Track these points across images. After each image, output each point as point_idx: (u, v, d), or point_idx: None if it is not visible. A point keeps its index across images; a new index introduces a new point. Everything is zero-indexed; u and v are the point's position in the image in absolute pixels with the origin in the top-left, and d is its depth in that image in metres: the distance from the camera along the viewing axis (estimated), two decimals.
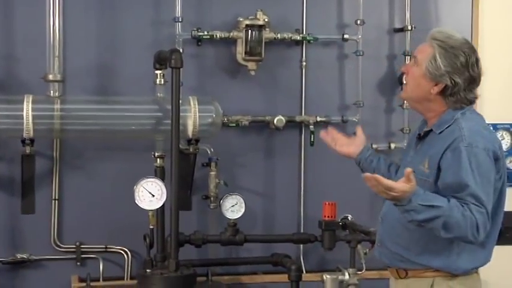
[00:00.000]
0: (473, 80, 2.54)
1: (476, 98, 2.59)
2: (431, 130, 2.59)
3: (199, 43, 3.55)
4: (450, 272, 2.54)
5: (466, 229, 2.38)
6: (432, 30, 2.63)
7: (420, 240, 2.55)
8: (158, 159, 3.36)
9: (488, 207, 2.42)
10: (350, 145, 2.98)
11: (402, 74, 3.68)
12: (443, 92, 2.54)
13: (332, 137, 3.01)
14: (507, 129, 3.88)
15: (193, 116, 3.32)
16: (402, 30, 3.75)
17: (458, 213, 2.38)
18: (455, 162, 2.44)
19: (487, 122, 2.67)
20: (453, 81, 2.51)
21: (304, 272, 3.57)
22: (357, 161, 2.99)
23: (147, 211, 3.22)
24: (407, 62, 3.70)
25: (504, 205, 2.58)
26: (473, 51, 2.55)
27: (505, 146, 3.86)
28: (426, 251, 2.55)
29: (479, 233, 2.39)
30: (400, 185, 2.35)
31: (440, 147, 2.50)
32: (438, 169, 2.49)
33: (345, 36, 3.66)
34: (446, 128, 2.54)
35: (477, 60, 2.55)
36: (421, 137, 2.64)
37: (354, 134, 3.04)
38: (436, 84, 2.53)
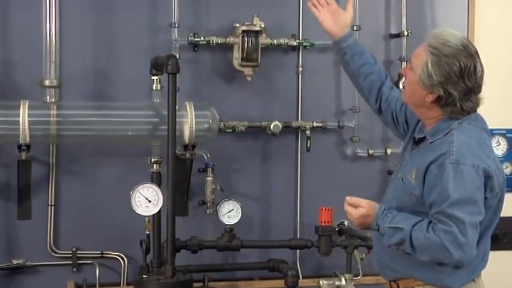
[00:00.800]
0: (470, 90, 2.39)
1: (475, 107, 2.44)
2: (425, 137, 2.50)
3: (196, 49, 3.55)
4: (439, 286, 2.46)
5: (432, 251, 2.33)
6: (431, 32, 2.51)
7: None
8: (154, 164, 3.36)
9: (463, 225, 2.29)
10: (334, 20, 2.79)
11: (399, 79, 3.71)
12: (438, 101, 2.42)
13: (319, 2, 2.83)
14: (503, 135, 3.89)
15: (189, 122, 3.32)
16: (398, 36, 3.76)
17: (420, 235, 2.34)
18: (439, 178, 2.34)
19: None
20: (447, 92, 2.38)
21: (300, 277, 3.57)
22: (335, 46, 2.83)
23: (143, 217, 3.22)
24: (403, 68, 3.71)
25: (495, 223, 2.49)
26: (471, 58, 2.38)
27: (501, 151, 3.87)
28: (413, 263, 2.46)
29: (451, 252, 2.30)
30: (365, 201, 2.42)
31: (427, 158, 2.39)
32: (424, 182, 2.39)
33: None
34: (440, 138, 2.42)
35: (475, 68, 2.38)
36: (416, 142, 2.56)
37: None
38: (431, 93, 2.41)
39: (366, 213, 2.49)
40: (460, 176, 2.32)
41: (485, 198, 2.37)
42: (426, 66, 2.39)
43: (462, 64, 2.36)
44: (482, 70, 2.41)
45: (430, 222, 2.36)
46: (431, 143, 2.45)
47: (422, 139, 2.53)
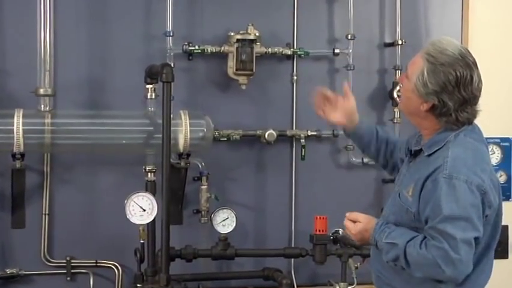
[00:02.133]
0: (466, 101, 2.33)
1: (471, 118, 2.39)
2: (422, 149, 2.46)
3: (190, 57, 3.56)
4: None
5: (425, 267, 2.30)
6: (430, 40, 2.47)
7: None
8: (149, 173, 3.36)
9: (454, 242, 2.24)
10: (339, 112, 2.77)
11: (393, 88, 3.72)
12: (433, 111, 2.37)
13: (321, 98, 2.81)
14: (497, 144, 3.90)
15: (184, 130, 3.32)
16: (392, 44, 3.77)
17: (414, 251, 2.31)
18: (432, 193, 2.29)
19: None
20: (441, 101, 2.33)
21: (295, 286, 3.57)
22: (355, 129, 2.80)
23: (138, 225, 3.21)
24: (398, 76, 3.72)
25: (497, 238, 2.45)
26: (468, 68, 2.33)
27: (495, 160, 3.87)
28: (412, 280, 2.41)
29: (443, 269, 2.25)
30: (363, 216, 2.42)
31: (423, 173, 2.35)
32: (419, 199, 2.35)
33: (336, 50, 3.67)
34: (436, 150, 2.38)
35: (472, 78, 2.32)
36: (413, 154, 2.51)
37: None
38: (426, 102, 2.36)
39: (364, 228, 2.48)
40: (452, 191, 2.27)
41: (486, 216, 2.33)
42: (422, 74, 2.35)
43: (458, 74, 2.32)
44: (480, 81, 2.36)
45: (424, 238, 2.33)
46: (428, 156, 2.41)
47: (419, 151, 2.48)
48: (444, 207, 2.26)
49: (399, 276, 2.45)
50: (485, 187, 2.30)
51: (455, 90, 2.33)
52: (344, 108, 2.78)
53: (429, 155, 2.41)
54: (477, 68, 2.37)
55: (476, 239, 2.30)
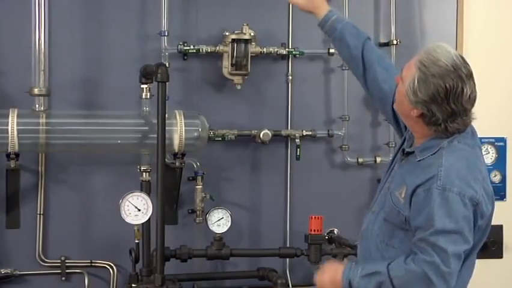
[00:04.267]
0: (455, 113, 2.31)
1: (461, 128, 2.36)
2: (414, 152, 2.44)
3: (185, 57, 3.56)
4: None
5: (415, 284, 2.28)
6: (426, 47, 2.41)
7: None
8: (144, 173, 3.36)
9: (445, 255, 2.25)
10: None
11: None
12: (422, 118, 2.35)
13: None
14: (491, 143, 3.90)
15: (179, 130, 3.32)
16: (387, 44, 3.77)
17: (399, 271, 2.30)
18: (425, 204, 2.28)
19: None
20: (430, 111, 2.31)
21: (290, 286, 3.58)
22: (320, 25, 2.80)
23: (133, 225, 3.21)
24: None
25: (483, 241, 2.45)
26: (459, 80, 2.29)
27: (489, 160, 3.88)
28: None
29: (434, 283, 2.25)
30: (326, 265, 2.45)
31: (416, 179, 2.34)
32: (411, 204, 2.34)
33: (331, 50, 3.67)
34: (428, 156, 2.36)
35: (463, 90, 2.29)
36: (406, 154, 2.49)
37: None
38: (416, 109, 2.34)
39: (332, 277, 2.44)
40: (445, 203, 2.26)
41: (478, 226, 2.33)
42: (413, 82, 2.32)
43: (448, 86, 2.28)
44: (473, 93, 2.32)
45: (407, 256, 2.32)
46: (419, 161, 2.40)
47: (412, 153, 2.47)
48: (437, 220, 2.26)
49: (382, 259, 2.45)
50: (478, 198, 2.30)
51: (444, 102, 2.30)
52: None
53: (421, 160, 2.39)
54: (471, 80, 2.33)
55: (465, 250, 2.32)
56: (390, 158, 3.67)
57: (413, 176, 2.37)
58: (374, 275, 2.35)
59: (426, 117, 2.34)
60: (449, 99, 2.29)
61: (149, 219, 3.19)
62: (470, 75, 2.33)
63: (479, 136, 2.49)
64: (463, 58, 2.36)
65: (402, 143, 2.57)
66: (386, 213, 2.47)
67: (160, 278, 3.09)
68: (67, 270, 3.46)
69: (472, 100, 2.33)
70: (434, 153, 2.36)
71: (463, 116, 2.34)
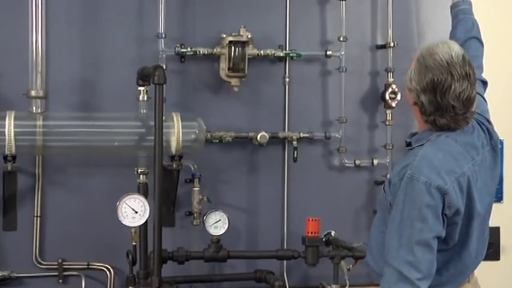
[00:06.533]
0: (441, 107, 2.36)
1: (451, 125, 2.40)
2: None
3: (183, 59, 3.55)
4: None
5: (391, 278, 2.33)
6: (431, 41, 2.51)
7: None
8: (141, 175, 3.35)
9: (392, 255, 2.33)
10: None
11: (385, 90, 3.72)
12: (417, 107, 2.43)
13: None
14: None
15: (176, 132, 3.32)
16: (384, 46, 3.77)
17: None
18: (397, 194, 2.38)
19: None
20: (420, 101, 2.39)
21: None
22: (450, 8, 3.17)
23: (130, 228, 3.21)
24: (390, 78, 3.73)
25: (472, 240, 2.46)
26: (450, 76, 2.34)
27: None
28: None
29: (403, 273, 2.29)
30: None
31: (398, 166, 2.44)
32: (390, 189, 2.44)
33: (328, 52, 3.68)
34: (417, 146, 2.44)
35: (451, 87, 2.34)
36: (408, 144, 2.56)
37: None
38: (411, 96, 2.44)
39: None
40: (411, 191, 2.33)
41: (445, 215, 2.35)
42: (411, 70, 2.43)
43: (436, 79, 2.35)
44: (463, 93, 2.35)
45: None
46: (410, 150, 2.48)
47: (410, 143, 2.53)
48: (395, 216, 2.35)
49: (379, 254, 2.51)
50: (447, 188, 2.33)
51: (431, 95, 2.36)
52: None
53: (410, 150, 2.48)
54: (465, 80, 2.36)
55: (438, 238, 2.35)
56: (387, 161, 3.73)
57: (399, 164, 2.48)
58: None
59: (418, 106, 2.42)
60: (436, 92, 2.36)
61: (146, 221, 3.18)
62: (465, 76, 2.36)
63: None
64: (464, 58, 2.39)
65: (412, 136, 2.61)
66: (380, 200, 2.56)
67: (157, 280, 3.09)
68: (64, 273, 3.46)
69: (463, 99, 2.36)
70: (421, 145, 2.43)
71: (451, 112, 2.37)
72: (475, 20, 3.08)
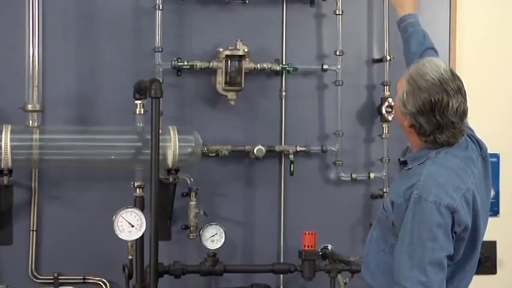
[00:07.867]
0: (441, 126, 2.38)
1: (450, 140, 2.42)
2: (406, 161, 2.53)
3: (179, 73, 3.56)
4: None
5: None
6: (417, 61, 2.50)
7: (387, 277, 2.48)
8: (137, 189, 3.35)
9: (404, 276, 2.32)
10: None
11: (381, 104, 3.73)
12: (413, 129, 2.44)
13: None
14: None
15: (172, 146, 3.32)
16: (381, 60, 3.78)
17: None
18: (404, 212, 2.38)
19: None
20: (418, 123, 2.40)
21: None
22: (397, 23, 3.10)
23: (126, 241, 3.20)
24: (386, 92, 3.74)
25: (476, 254, 2.49)
26: (445, 94, 2.35)
27: None
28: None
29: None
30: None
31: (401, 187, 2.43)
32: (393, 210, 2.44)
33: (325, 66, 3.68)
34: (416, 165, 2.44)
35: (448, 104, 2.35)
36: (402, 163, 2.57)
37: None
38: (406, 120, 2.44)
39: None
40: (420, 212, 2.33)
41: (455, 232, 2.36)
42: (402, 95, 2.42)
43: (433, 99, 2.35)
44: (460, 107, 2.38)
45: None
46: (409, 169, 2.48)
47: (406, 162, 2.54)
48: (405, 237, 2.35)
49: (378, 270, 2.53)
50: (456, 206, 2.34)
51: (430, 115, 2.38)
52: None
53: (410, 169, 2.48)
54: (459, 94, 2.38)
55: (448, 257, 2.36)
56: (384, 175, 3.73)
57: (400, 184, 2.46)
58: None
59: (416, 128, 2.42)
60: (434, 112, 2.37)
61: (142, 235, 3.18)
62: (458, 90, 2.39)
63: None
64: (453, 73, 2.42)
65: (404, 154, 2.62)
66: (380, 218, 2.56)
67: None
68: (60, 287, 3.45)
69: (460, 114, 2.39)
70: (421, 163, 2.44)
71: (450, 128, 2.39)
72: (425, 31, 3.03)
